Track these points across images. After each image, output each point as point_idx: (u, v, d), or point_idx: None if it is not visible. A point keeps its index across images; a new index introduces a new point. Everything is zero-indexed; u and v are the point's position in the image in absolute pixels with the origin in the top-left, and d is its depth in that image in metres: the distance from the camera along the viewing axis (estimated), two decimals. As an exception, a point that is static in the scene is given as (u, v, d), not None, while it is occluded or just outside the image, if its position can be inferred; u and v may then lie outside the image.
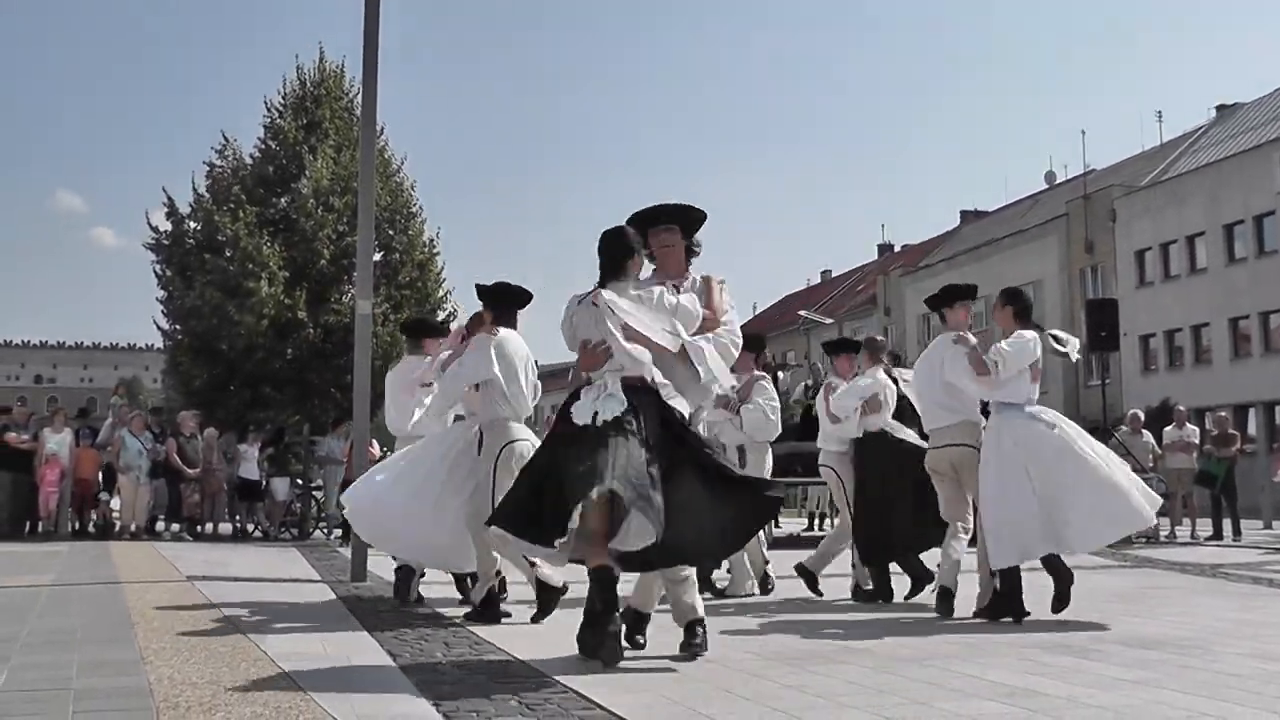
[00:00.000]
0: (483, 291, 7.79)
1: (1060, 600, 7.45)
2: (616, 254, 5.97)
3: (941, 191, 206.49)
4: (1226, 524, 18.31)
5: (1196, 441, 18.98)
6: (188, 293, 26.84)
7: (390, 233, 28.59)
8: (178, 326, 28.41)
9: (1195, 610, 8.23)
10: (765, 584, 9.57)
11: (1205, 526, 18.95)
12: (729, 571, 9.55)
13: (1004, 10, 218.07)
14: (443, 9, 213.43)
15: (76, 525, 17.83)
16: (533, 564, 6.91)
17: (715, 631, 6.89)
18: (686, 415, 5.99)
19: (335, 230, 27.44)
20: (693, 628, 5.93)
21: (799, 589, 9.32)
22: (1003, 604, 7.47)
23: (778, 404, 9.85)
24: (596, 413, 5.62)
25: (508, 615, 7.36)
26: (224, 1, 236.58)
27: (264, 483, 18.79)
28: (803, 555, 9.61)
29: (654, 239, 6.28)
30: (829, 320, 58.67)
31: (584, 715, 4.42)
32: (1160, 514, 18.00)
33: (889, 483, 8.91)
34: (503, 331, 7.61)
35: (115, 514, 18.15)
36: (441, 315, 28.99)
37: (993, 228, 57.03)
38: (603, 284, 5.92)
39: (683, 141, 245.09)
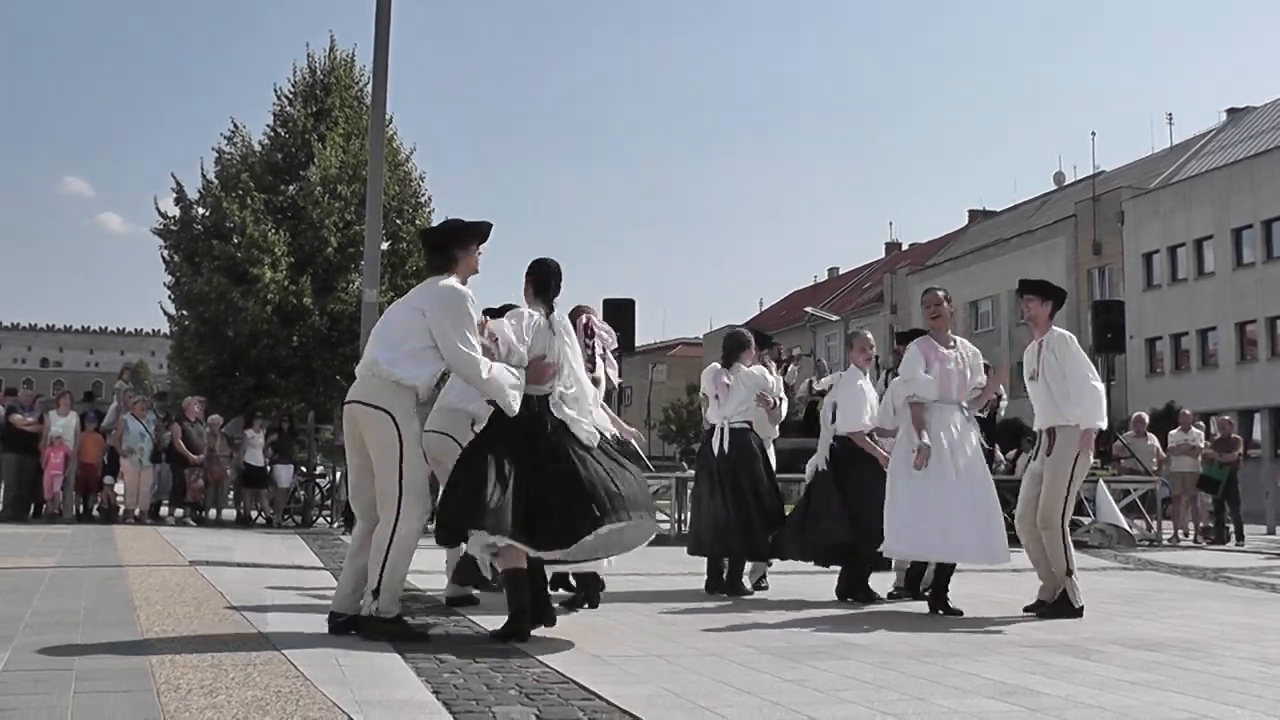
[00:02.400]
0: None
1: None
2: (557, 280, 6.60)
3: (950, 191, 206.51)
4: (1230, 528, 18.27)
5: (1201, 445, 18.96)
6: (195, 278, 26.86)
7: (398, 222, 28.62)
8: (184, 312, 28.44)
9: (1197, 613, 8.23)
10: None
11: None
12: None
13: (1014, 9, 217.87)
14: (454, 1, 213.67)
15: (81, 508, 17.85)
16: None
17: (718, 626, 6.91)
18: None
19: (343, 218, 27.47)
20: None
21: (798, 586, 9.32)
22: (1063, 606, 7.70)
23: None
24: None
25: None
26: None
27: (268, 469, 18.81)
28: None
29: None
30: (835, 317, 58.73)
31: (584, 705, 4.43)
32: (1164, 517, 18.19)
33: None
34: None
35: (119, 498, 18.17)
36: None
37: (1000, 227, 57.03)
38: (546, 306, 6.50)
39: (692, 137, 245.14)
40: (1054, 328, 8.11)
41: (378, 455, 5.98)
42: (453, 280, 6.15)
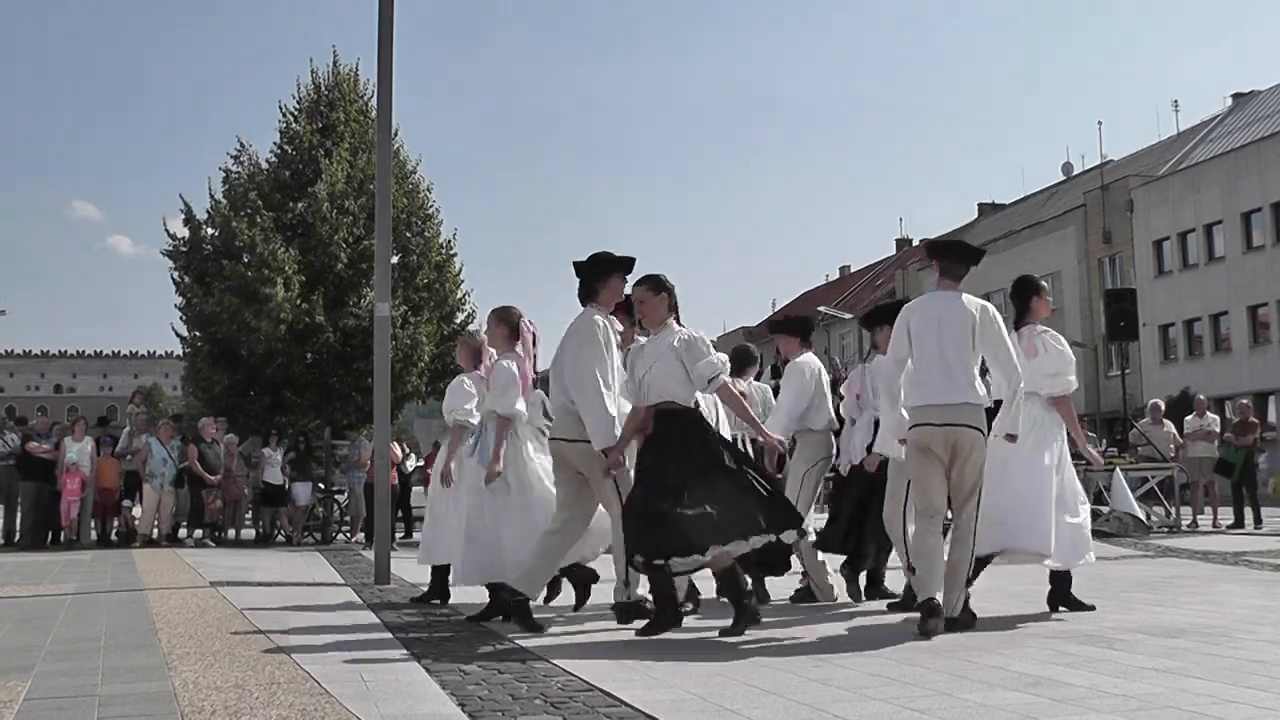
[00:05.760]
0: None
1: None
2: None
3: (958, 185, 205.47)
4: (1248, 512, 18.20)
5: (1217, 430, 18.91)
6: (206, 299, 26.86)
7: (407, 235, 28.55)
8: (197, 333, 28.43)
9: (1218, 598, 8.21)
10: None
11: (1226, 515, 18.87)
12: None
13: (1018, 1, 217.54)
14: (456, 10, 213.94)
15: (98, 533, 17.91)
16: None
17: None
18: None
19: (352, 234, 27.41)
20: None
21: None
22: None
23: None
24: None
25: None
26: (238, 7, 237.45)
27: (287, 487, 18.85)
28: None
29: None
30: (848, 315, 58.61)
31: (610, 712, 4.43)
32: (1183, 503, 18.14)
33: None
34: None
35: (135, 521, 18.22)
36: (460, 316, 28.99)
37: (1010, 220, 56.93)
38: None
39: (700, 139, 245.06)
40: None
41: (595, 475, 6.74)
42: (590, 309, 6.87)
